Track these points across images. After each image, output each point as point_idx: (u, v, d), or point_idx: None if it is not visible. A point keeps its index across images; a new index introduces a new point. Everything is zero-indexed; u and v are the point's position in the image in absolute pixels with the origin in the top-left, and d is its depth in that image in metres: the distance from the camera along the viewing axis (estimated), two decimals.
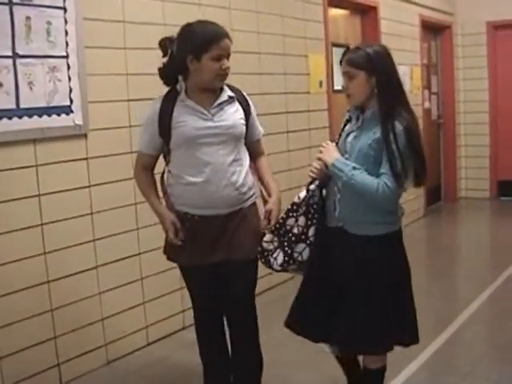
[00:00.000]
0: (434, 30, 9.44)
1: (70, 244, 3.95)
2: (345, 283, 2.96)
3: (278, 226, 3.11)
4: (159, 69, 3.21)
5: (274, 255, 3.10)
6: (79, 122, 3.95)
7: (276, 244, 3.10)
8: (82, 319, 4.05)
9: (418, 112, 8.48)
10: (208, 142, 3.10)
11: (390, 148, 2.79)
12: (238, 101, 3.25)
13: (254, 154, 3.40)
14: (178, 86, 3.19)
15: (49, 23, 3.75)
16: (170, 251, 3.32)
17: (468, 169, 9.94)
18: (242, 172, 3.21)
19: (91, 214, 4.08)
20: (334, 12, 6.97)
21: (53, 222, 3.84)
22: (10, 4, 3.54)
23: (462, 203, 9.84)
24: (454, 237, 8.23)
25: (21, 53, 3.61)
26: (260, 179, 3.41)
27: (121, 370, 4.17)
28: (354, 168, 2.86)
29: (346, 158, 2.93)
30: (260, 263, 3.21)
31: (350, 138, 2.99)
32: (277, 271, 3.17)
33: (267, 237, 3.12)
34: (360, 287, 2.93)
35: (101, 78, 4.10)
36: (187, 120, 3.10)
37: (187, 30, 3.13)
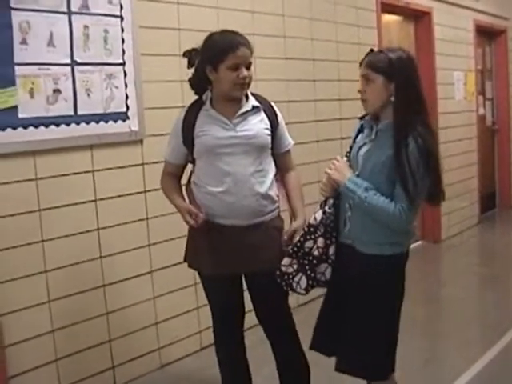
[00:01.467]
0: (488, 34, 9.31)
1: (125, 248, 4.02)
2: (348, 300, 2.87)
3: (295, 248, 2.94)
4: (189, 79, 3.19)
5: (296, 279, 2.96)
6: (135, 128, 4.02)
7: (295, 267, 2.95)
8: (136, 323, 4.11)
9: (472, 118, 8.40)
10: (229, 152, 3.05)
11: (402, 167, 2.63)
12: (265, 111, 3.18)
13: (283, 167, 3.32)
14: (203, 96, 3.17)
15: (106, 31, 3.83)
16: (190, 259, 3.28)
17: None
18: (265, 183, 3.12)
19: (147, 219, 4.14)
20: (388, 18, 6.94)
21: (109, 226, 3.91)
22: (69, 13, 3.63)
23: None
24: (509, 244, 8.06)
25: (79, 60, 3.69)
26: (287, 197, 3.33)
27: (173, 374, 4.22)
28: (367, 189, 2.72)
29: (357, 175, 2.80)
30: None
31: (362, 152, 2.84)
32: (300, 294, 3.04)
33: (285, 260, 2.97)
34: (360, 305, 2.83)
35: (156, 85, 4.16)
36: (209, 129, 3.07)
37: (207, 40, 3.09)
